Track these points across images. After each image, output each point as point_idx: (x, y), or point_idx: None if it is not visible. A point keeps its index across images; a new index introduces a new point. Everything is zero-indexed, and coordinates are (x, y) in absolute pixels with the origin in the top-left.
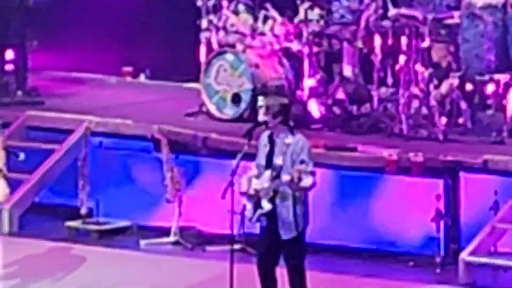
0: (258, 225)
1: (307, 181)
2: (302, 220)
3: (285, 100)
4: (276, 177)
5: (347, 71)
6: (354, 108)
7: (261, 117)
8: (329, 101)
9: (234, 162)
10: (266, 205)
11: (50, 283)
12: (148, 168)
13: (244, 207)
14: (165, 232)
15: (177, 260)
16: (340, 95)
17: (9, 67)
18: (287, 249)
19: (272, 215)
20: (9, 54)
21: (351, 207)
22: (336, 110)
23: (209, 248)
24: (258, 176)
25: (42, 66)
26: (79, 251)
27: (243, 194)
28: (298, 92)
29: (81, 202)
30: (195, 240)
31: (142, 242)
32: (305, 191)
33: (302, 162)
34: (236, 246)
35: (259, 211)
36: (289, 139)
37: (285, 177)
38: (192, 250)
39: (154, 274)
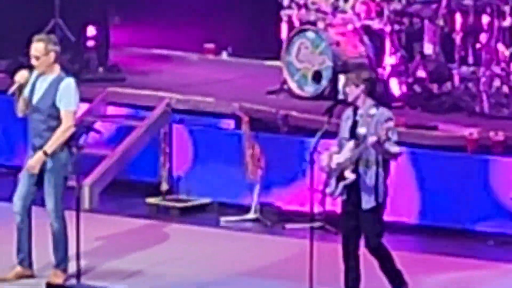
0: (340, 201)
1: (394, 148)
2: (383, 190)
3: (369, 72)
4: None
5: (428, 49)
6: (435, 86)
7: (341, 95)
8: (410, 80)
9: (314, 140)
10: (350, 175)
11: (130, 259)
12: (229, 145)
13: (325, 184)
14: (245, 209)
15: (257, 238)
16: (421, 73)
17: (90, 43)
18: (365, 221)
19: (354, 186)
20: (91, 31)
21: (431, 186)
22: (417, 88)
23: (288, 225)
24: (339, 153)
25: (124, 42)
26: (159, 228)
27: (323, 169)
28: (379, 70)
29: (162, 179)
30: (275, 218)
31: (222, 219)
32: (390, 158)
33: (388, 122)
34: (316, 224)
35: (342, 183)
36: (374, 110)
37: (372, 138)
38: (272, 227)
39: (234, 252)
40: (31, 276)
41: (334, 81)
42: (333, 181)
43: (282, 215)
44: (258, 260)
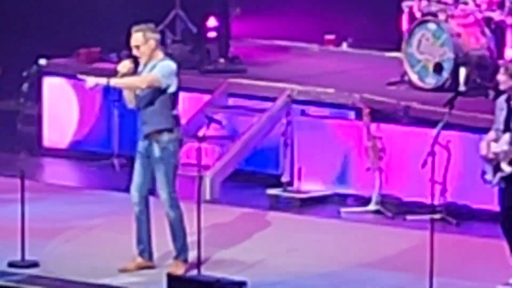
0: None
1: None
2: None
3: None
4: None
5: None
6: None
7: (462, 86)
8: None
9: (434, 131)
10: (506, 168)
11: (250, 250)
12: (349, 137)
13: (483, 171)
14: (366, 200)
15: (378, 229)
16: None
17: (211, 34)
18: None
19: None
20: (212, 22)
21: None
22: None
23: (409, 217)
24: (496, 140)
25: (245, 33)
26: (279, 219)
27: (482, 157)
28: (500, 62)
29: (283, 170)
30: (396, 209)
31: (343, 211)
32: None
33: None
34: (436, 216)
35: (499, 174)
36: None
37: None
38: (393, 219)
39: (354, 243)
40: (152, 267)
41: (455, 73)
42: (490, 170)
43: (402, 206)
44: (379, 252)
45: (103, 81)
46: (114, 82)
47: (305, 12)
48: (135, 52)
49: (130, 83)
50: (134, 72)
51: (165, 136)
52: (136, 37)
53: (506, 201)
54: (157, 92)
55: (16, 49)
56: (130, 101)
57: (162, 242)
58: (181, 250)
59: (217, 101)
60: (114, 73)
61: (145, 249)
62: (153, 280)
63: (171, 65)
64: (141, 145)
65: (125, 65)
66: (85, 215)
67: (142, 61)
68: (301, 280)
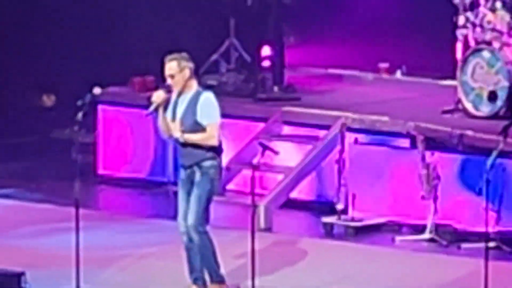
0: None
1: None
2: None
3: None
4: None
5: None
6: None
7: None
8: None
9: (489, 160)
10: None
11: (304, 278)
12: (404, 165)
13: None
14: (421, 229)
15: (432, 257)
16: None
17: (266, 63)
18: None
19: None
20: (266, 51)
21: None
22: None
23: (464, 245)
24: None
25: (299, 62)
26: (334, 247)
27: None
28: None
29: (337, 198)
30: (451, 237)
31: (398, 239)
32: None
33: None
34: (491, 244)
35: None
36: None
37: None
38: (447, 247)
39: (409, 271)
40: None
41: (509, 101)
42: None
43: (457, 234)
44: (433, 280)
45: (177, 134)
46: (187, 136)
47: (359, 40)
48: (169, 81)
49: (202, 139)
50: (168, 101)
51: (207, 163)
52: (171, 66)
53: None
54: (197, 124)
55: (70, 78)
56: (164, 132)
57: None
58: (213, 272)
59: (271, 129)
60: (149, 103)
61: (199, 277)
62: None
63: (211, 97)
64: (184, 173)
65: (159, 95)
66: (139, 244)
67: (176, 91)
68: None
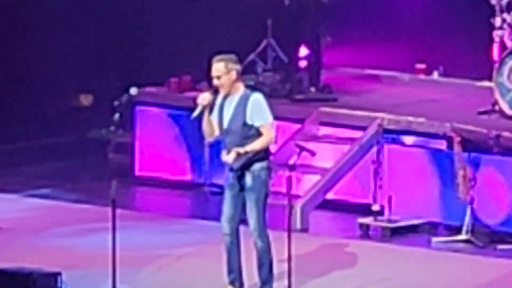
0: None
1: None
2: None
3: None
4: None
5: None
6: None
7: None
8: None
9: None
10: None
11: (340, 279)
12: (440, 166)
13: None
14: (457, 230)
15: (469, 259)
16: None
17: (303, 63)
18: None
19: None
20: (303, 51)
21: None
22: None
23: (500, 246)
24: None
25: (336, 62)
26: (370, 248)
27: None
28: None
29: (374, 199)
30: (487, 239)
31: (434, 240)
32: None
33: None
34: None
35: None
36: None
37: None
38: (484, 248)
39: (445, 272)
40: None
41: None
42: None
43: (494, 235)
44: (470, 281)
45: (241, 150)
46: (250, 148)
47: (396, 41)
48: (215, 82)
49: (263, 145)
50: (213, 103)
51: (257, 165)
52: (218, 67)
53: None
54: (247, 127)
55: (107, 78)
56: (209, 135)
57: (252, 271)
58: (266, 280)
59: (308, 130)
60: (195, 105)
61: (236, 278)
62: None
63: (260, 98)
64: (232, 176)
65: (205, 97)
66: (175, 244)
67: (222, 92)
68: None
